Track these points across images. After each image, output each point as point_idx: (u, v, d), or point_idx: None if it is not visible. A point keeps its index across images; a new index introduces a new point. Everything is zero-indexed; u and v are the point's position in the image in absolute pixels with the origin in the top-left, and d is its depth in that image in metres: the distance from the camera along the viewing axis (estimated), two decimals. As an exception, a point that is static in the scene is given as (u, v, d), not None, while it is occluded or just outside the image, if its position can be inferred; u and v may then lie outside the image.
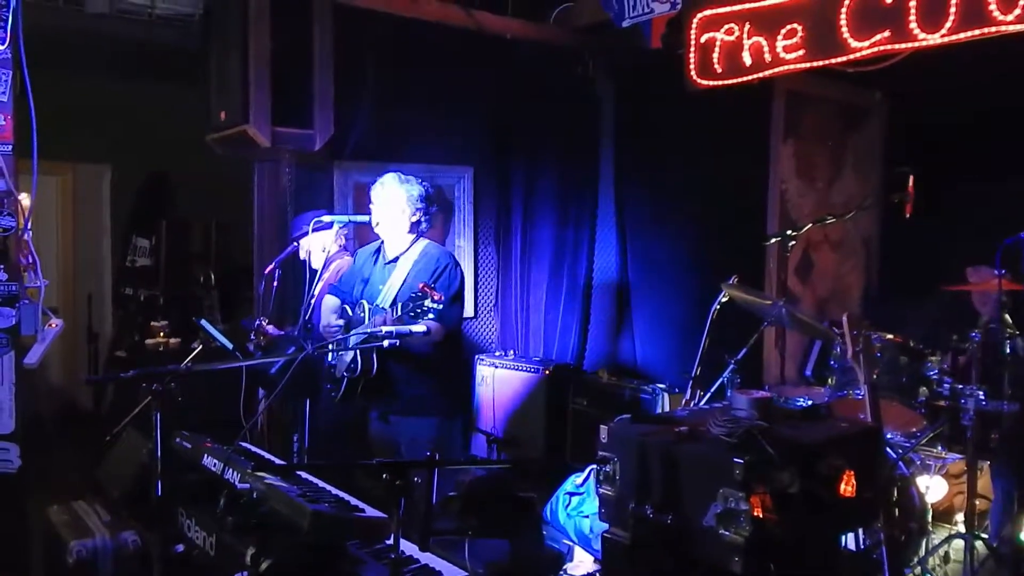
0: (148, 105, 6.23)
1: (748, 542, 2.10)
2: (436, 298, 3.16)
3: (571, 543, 3.96)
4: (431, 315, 3.22)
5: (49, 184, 6.68)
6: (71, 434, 5.68)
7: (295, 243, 4.23)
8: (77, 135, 6.07)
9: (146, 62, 5.64)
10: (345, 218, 4.05)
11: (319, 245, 4.25)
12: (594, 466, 2.48)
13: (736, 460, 2.14)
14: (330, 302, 3.94)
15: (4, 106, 3.24)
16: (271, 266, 4.19)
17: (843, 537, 3.07)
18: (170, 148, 6.00)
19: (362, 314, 3.68)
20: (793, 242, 4.27)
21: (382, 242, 3.87)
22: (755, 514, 2.11)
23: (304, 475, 2.75)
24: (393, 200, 3.71)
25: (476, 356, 5.68)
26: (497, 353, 5.81)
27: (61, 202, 6.87)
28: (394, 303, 3.54)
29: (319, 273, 4.04)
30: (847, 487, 2.37)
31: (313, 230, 4.08)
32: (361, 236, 4.52)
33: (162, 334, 5.92)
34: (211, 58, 4.59)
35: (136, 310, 6.65)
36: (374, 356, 3.61)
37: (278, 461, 3.15)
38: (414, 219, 3.74)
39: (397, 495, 2.04)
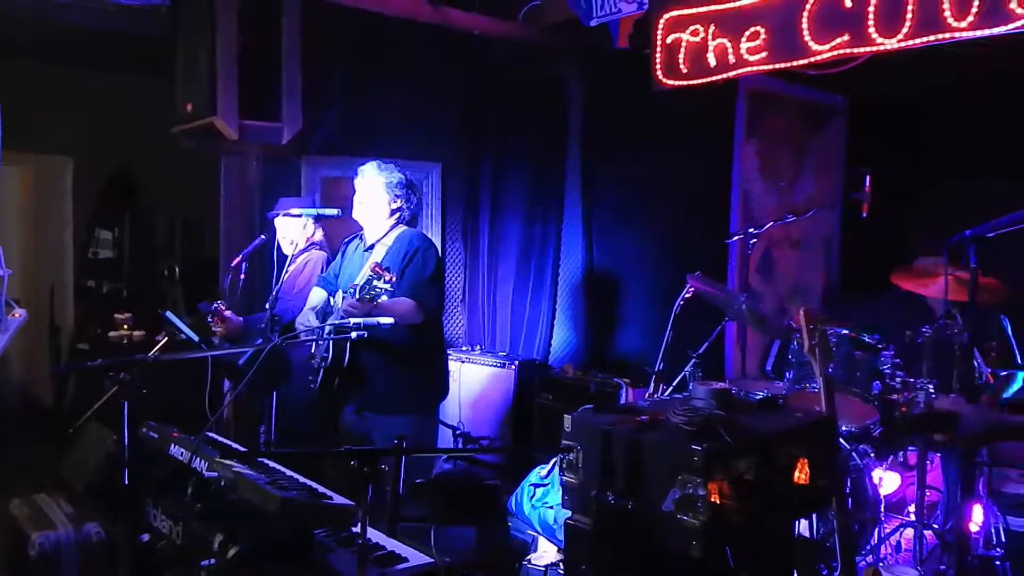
0: (113, 96, 6.17)
1: (705, 527, 2.16)
2: (387, 279, 3.15)
3: (536, 533, 4.01)
4: (384, 296, 3.21)
5: (11, 175, 6.60)
6: (32, 427, 5.61)
7: (261, 237, 4.23)
8: (40, 126, 5.98)
9: (111, 53, 5.58)
10: (314, 211, 4.05)
11: (285, 235, 4.26)
12: (558, 457, 2.52)
13: (694, 447, 2.20)
14: (316, 296, 3.90)
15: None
16: (237, 259, 4.18)
17: (798, 524, 3.17)
18: (135, 140, 5.95)
19: (336, 305, 3.68)
20: (755, 240, 4.36)
21: (363, 231, 3.87)
22: (712, 500, 2.17)
23: (272, 464, 2.77)
24: (372, 187, 3.73)
25: (443, 350, 5.71)
26: (464, 348, 5.86)
27: (22, 193, 6.78)
28: (354, 287, 3.51)
29: (286, 263, 4.03)
30: (801, 475, 2.45)
31: (282, 215, 4.08)
32: (330, 233, 4.52)
33: (126, 327, 5.87)
34: (178, 49, 4.55)
35: (99, 302, 6.59)
36: (346, 346, 3.57)
37: (245, 452, 3.15)
38: (394, 205, 3.74)
39: (364, 482, 2.07)
